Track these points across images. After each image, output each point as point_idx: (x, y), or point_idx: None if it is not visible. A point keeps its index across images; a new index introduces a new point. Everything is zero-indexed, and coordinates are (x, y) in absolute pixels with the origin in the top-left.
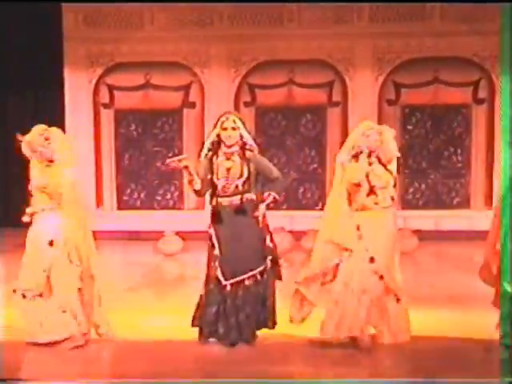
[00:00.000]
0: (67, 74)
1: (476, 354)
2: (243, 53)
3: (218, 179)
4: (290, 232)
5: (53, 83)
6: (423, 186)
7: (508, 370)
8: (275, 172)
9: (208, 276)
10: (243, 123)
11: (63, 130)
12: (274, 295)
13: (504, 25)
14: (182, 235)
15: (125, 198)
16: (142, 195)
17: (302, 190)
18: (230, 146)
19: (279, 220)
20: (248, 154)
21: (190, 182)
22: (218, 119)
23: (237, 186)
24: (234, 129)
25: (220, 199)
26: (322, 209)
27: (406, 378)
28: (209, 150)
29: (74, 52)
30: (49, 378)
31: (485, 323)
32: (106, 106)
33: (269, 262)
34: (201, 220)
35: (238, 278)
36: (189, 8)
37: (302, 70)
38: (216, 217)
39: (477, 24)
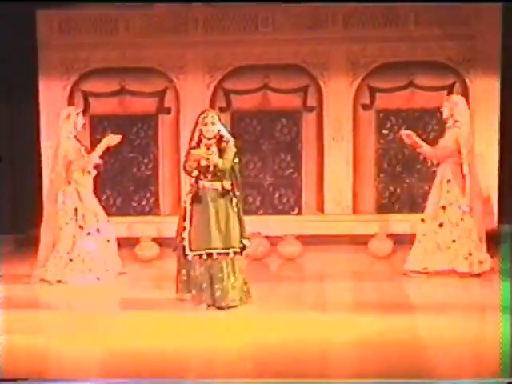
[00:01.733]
0: (42, 81)
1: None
2: (218, 58)
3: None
4: (266, 237)
5: (27, 90)
6: (398, 190)
7: (508, 370)
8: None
9: (177, 244)
10: (219, 118)
11: (38, 136)
12: (241, 272)
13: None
14: (159, 241)
15: (100, 204)
16: (118, 201)
17: (277, 195)
18: (209, 139)
19: (255, 225)
20: (223, 145)
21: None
22: (199, 116)
23: (215, 174)
24: (213, 123)
25: (201, 182)
26: (298, 213)
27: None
28: (195, 142)
29: (49, 59)
30: (49, 377)
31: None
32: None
33: (236, 244)
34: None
35: (202, 252)
36: (164, 14)
37: (276, 75)
38: (195, 196)
39: (450, 28)
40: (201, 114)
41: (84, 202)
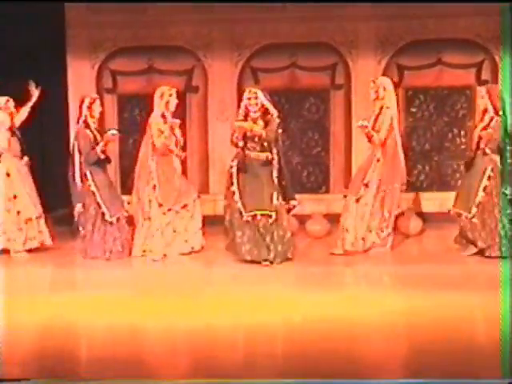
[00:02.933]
0: (70, 60)
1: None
2: (246, 36)
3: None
4: (294, 216)
5: (56, 69)
6: (427, 167)
7: (508, 370)
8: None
9: (228, 207)
10: (263, 94)
11: (67, 115)
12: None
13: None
14: None
15: (129, 182)
16: None
17: (305, 173)
18: (255, 112)
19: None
20: (268, 117)
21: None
22: (243, 94)
23: (262, 145)
24: (255, 98)
25: (248, 152)
26: (326, 192)
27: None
28: (242, 116)
29: (77, 38)
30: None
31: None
32: (109, 91)
33: (279, 204)
34: (205, 204)
35: (254, 212)
36: None
37: (304, 53)
38: (241, 164)
39: (479, 5)
40: (244, 92)
41: (164, 180)
